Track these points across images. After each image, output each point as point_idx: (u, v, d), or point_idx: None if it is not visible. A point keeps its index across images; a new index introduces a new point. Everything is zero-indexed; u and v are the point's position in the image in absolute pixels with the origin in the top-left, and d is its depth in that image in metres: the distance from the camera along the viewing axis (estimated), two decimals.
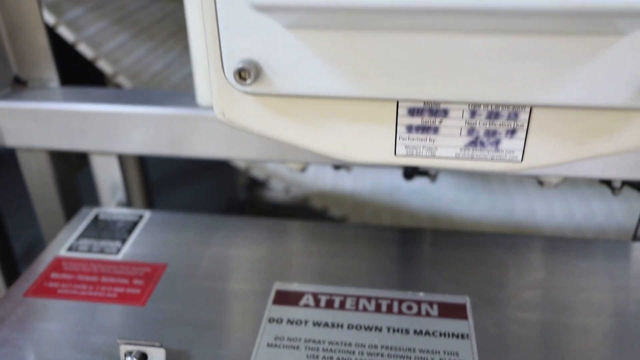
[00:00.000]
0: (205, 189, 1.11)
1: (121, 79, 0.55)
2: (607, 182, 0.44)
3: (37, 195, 0.50)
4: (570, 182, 0.67)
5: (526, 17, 0.21)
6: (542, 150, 0.28)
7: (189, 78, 0.61)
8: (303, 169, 0.47)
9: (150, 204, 0.78)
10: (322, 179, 0.65)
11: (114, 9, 0.60)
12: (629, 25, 0.22)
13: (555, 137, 0.27)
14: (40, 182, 0.49)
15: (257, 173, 0.61)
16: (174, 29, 0.65)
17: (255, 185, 1.03)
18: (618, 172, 0.41)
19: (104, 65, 0.54)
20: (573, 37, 0.23)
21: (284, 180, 0.61)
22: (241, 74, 0.26)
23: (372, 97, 0.27)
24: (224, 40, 0.26)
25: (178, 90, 0.57)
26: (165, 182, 1.13)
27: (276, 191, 0.66)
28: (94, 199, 0.53)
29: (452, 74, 0.25)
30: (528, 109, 0.27)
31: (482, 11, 0.21)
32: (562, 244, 0.42)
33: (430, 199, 0.66)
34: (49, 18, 0.52)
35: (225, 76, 0.28)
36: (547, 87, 0.25)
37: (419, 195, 0.67)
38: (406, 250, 0.41)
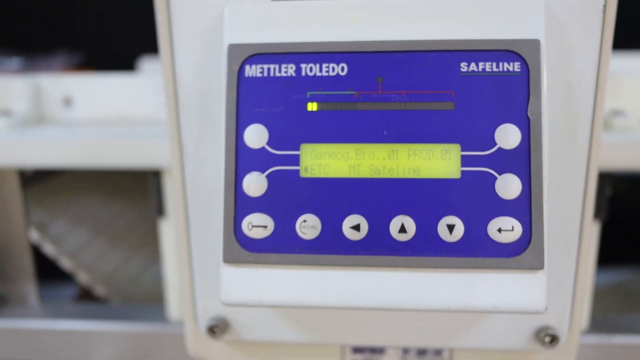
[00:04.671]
0: None
1: (98, 288, 0.59)
2: None
3: None
4: None
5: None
6: None
7: (158, 285, 0.66)
8: None
9: None
10: None
11: (90, 219, 0.66)
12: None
13: None
14: None
15: None
16: (145, 236, 0.71)
17: None
18: None
19: (83, 276, 0.59)
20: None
21: None
22: (212, 330, 0.32)
23: (322, 344, 0.32)
24: (199, 304, 0.32)
25: (149, 296, 0.62)
26: None
27: None
28: None
29: (387, 326, 0.31)
30: (448, 351, 0.33)
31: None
32: None
33: None
34: (35, 235, 0.57)
35: (199, 328, 0.33)
36: (459, 335, 0.31)
37: None
38: None
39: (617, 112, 0.47)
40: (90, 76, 0.55)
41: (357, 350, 0.34)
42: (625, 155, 0.41)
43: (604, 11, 0.27)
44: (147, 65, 0.91)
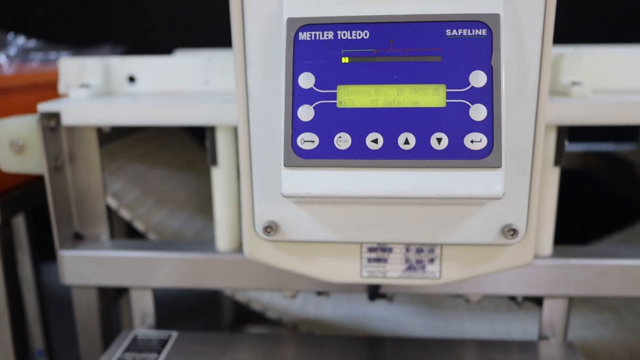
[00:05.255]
0: (194, 327, 1.22)
1: (151, 235, 0.71)
2: (513, 298, 0.61)
3: (82, 323, 0.63)
4: (494, 306, 0.84)
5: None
6: (452, 271, 0.45)
7: (199, 233, 0.78)
8: (294, 296, 0.62)
9: None
10: (306, 310, 0.80)
11: (142, 181, 0.78)
12: (480, 203, 0.41)
13: (458, 262, 0.45)
14: (86, 312, 0.63)
15: (255, 306, 0.75)
16: (186, 195, 0.83)
17: (239, 322, 1.16)
18: (517, 289, 0.58)
19: (138, 225, 0.70)
20: (454, 206, 0.42)
21: (277, 311, 0.76)
22: (267, 229, 0.44)
23: (347, 241, 0.44)
24: (257, 211, 0.44)
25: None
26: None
27: (268, 317, 0.80)
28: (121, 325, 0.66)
29: (393, 228, 0.43)
30: (439, 246, 0.45)
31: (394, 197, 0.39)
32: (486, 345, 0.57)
33: (395, 325, 0.81)
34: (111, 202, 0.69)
35: (255, 231, 0.45)
36: (446, 233, 0.43)
37: (386, 322, 0.82)
38: (371, 354, 0.56)
39: (575, 83, 0.59)
40: (150, 57, 0.67)
41: (372, 249, 0.45)
42: (576, 113, 0.53)
43: None
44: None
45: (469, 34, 0.37)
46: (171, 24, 1.30)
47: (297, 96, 0.37)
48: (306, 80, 0.37)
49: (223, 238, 0.60)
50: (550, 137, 0.56)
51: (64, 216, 0.62)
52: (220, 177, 0.58)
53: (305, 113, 0.37)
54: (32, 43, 1.10)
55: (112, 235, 0.65)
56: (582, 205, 1.33)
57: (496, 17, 0.37)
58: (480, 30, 0.37)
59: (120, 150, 0.75)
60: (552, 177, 0.57)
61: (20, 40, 1.10)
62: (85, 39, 1.14)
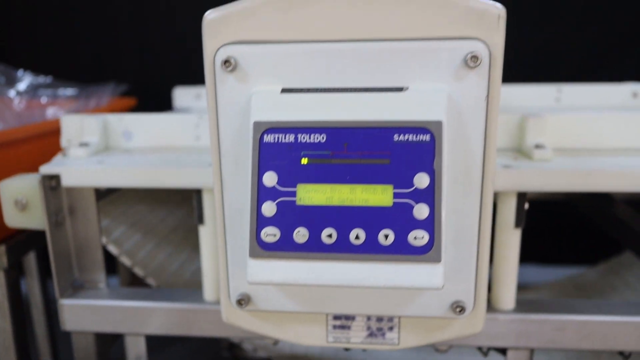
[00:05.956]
0: (192, 347, 1.27)
1: (150, 280, 0.76)
2: (480, 349, 0.65)
3: None
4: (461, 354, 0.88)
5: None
6: (410, 338, 0.50)
7: (195, 274, 0.83)
8: (276, 343, 0.67)
9: None
10: (280, 345, 0.85)
11: (143, 225, 0.83)
12: None
13: (415, 330, 0.49)
14: (85, 355, 0.68)
15: (246, 345, 0.81)
16: (185, 234, 0.88)
17: (236, 345, 1.21)
18: (482, 341, 0.62)
19: (138, 271, 0.76)
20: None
21: (265, 349, 0.81)
22: (239, 302, 0.48)
23: (313, 312, 0.49)
24: (231, 285, 0.49)
25: (189, 286, 0.79)
26: (154, 341, 1.29)
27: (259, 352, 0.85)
28: None
29: (355, 302, 0.47)
30: (397, 316, 0.49)
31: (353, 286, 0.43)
32: None
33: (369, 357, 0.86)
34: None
35: (230, 302, 0.49)
36: (403, 307, 0.47)
37: (360, 356, 0.86)
38: None
39: (538, 146, 0.63)
40: (144, 115, 0.72)
41: (336, 317, 0.50)
42: (533, 180, 0.57)
43: (487, 100, 0.43)
44: (180, 94, 1.09)
45: (414, 139, 0.41)
46: (172, 59, 1.35)
47: (262, 193, 0.42)
48: (270, 179, 0.42)
49: (209, 289, 0.65)
50: (510, 202, 0.60)
51: (64, 266, 0.67)
52: (206, 235, 0.63)
53: (269, 209, 0.42)
54: (41, 79, 1.15)
55: (118, 271, 0.70)
56: (567, 235, 1.37)
57: (439, 124, 0.41)
58: (425, 135, 0.41)
59: (120, 195, 0.80)
60: (513, 238, 0.61)
61: (29, 76, 1.15)
62: (92, 75, 1.19)
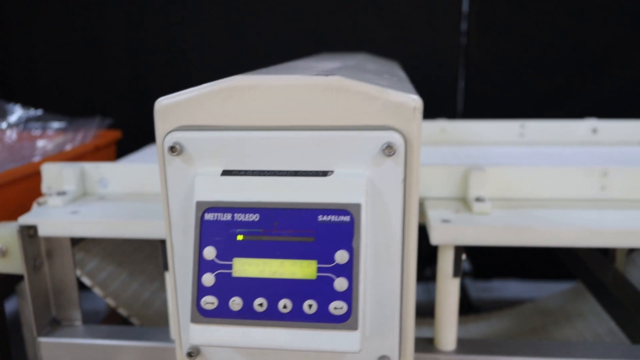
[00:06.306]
0: None
1: (121, 310, 0.82)
2: None
3: None
4: None
5: None
6: None
7: (165, 303, 0.88)
8: None
9: None
10: None
11: (117, 254, 0.89)
12: None
13: None
14: None
15: None
16: (158, 261, 0.94)
17: None
18: None
19: (110, 301, 0.81)
20: None
21: None
22: (190, 354, 0.54)
23: None
24: (182, 338, 0.54)
25: (160, 315, 0.85)
26: None
27: None
28: None
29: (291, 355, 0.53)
30: None
31: None
32: None
33: None
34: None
35: (183, 352, 0.55)
36: None
37: None
38: None
39: (479, 199, 0.68)
40: (119, 164, 0.78)
41: None
42: (467, 235, 0.63)
43: (404, 181, 0.48)
44: None
45: (336, 219, 0.46)
46: (160, 91, 1.41)
47: (202, 266, 0.47)
48: (209, 253, 0.47)
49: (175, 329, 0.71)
50: (448, 254, 0.65)
51: (42, 306, 0.73)
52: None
53: (208, 280, 0.47)
54: (31, 112, 1.21)
55: None
56: (549, 250, 1.42)
57: (358, 206, 0.46)
58: (345, 217, 0.46)
59: None
60: (452, 286, 0.66)
61: (20, 109, 1.21)
62: (80, 109, 1.26)
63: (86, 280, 0.80)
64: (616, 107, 1.40)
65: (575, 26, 1.39)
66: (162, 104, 0.50)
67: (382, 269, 0.50)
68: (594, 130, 1.07)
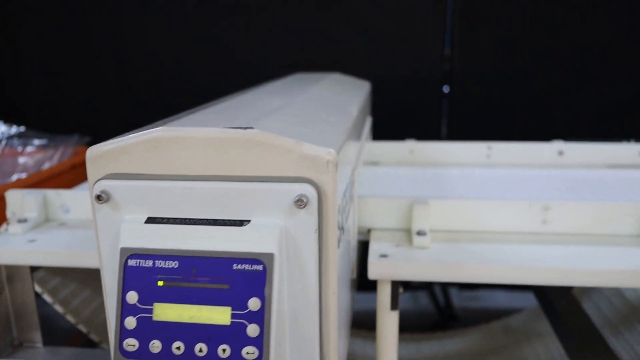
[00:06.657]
0: None
1: (81, 327, 0.85)
2: None
3: None
4: None
5: None
6: None
7: None
8: None
9: None
10: None
11: (80, 271, 0.92)
12: None
13: None
14: None
15: None
16: None
17: None
18: None
19: (70, 319, 0.84)
20: None
21: None
22: None
23: None
24: None
25: None
26: None
27: None
28: None
29: None
30: None
31: None
32: None
33: None
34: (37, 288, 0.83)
35: None
36: None
37: None
38: None
39: (420, 233, 0.70)
40: (80, 191, 0.81)
41: None
42: (403, 271, 0.64)
43: (317, 231, 0.50)
44: None
45: (250, 268, 0.49)
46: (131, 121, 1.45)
47: (125, 309, 0.50)
48: (131, 297, 0.50)
49: None
50: (386, 288, 0.67)
51: (3, 329, 0.76)
52: None
53: (130, 323, 0.50)
54: (14, 129, 1.25)
55: None
56: None
57: (271, 255, 0.48)
58: (258, 265, 0.48)
59: None
60: (391, 319, 0.68)
61: (3, 126, 1.25)
62: (60, 127, 1.29)
63: (47, 298, 0.83)
64: (594, 126, 1.41)
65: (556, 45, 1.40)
66: (93, 152, 0.52)
67: (300, 311, 0.52)
68: (560, 153, 1.08)
